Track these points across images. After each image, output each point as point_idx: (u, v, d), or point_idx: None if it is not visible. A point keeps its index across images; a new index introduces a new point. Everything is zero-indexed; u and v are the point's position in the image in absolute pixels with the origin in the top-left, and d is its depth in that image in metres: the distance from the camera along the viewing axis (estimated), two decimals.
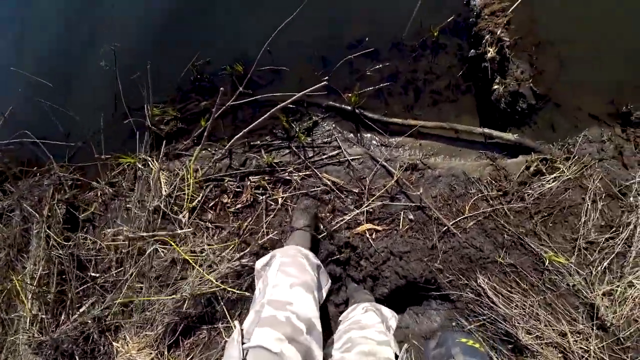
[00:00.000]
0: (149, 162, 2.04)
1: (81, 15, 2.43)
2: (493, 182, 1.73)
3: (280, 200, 1.81)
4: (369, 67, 2.00)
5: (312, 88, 1.55)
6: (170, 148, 2.09)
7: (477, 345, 1.06)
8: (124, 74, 2.13)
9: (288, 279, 0.91)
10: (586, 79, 1.88)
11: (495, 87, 1.73)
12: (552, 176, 1.69)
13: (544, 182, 1.68)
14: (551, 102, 1.87)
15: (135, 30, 2.29)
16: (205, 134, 1.72)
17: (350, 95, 1.90)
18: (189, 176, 1.87)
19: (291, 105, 2.01)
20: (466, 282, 1.56)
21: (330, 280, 1.24)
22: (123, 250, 1.83)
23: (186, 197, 1.84)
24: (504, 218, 1.64)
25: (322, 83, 1.50)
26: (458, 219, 1.68)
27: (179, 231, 1.70)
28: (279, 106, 1.68)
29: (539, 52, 1.91)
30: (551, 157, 1.73)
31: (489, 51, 1.68)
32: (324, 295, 1.14)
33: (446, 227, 1.67)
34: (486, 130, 1.79)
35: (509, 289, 1.52)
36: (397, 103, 1.96)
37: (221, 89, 1.64)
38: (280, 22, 1.94)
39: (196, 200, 1.90)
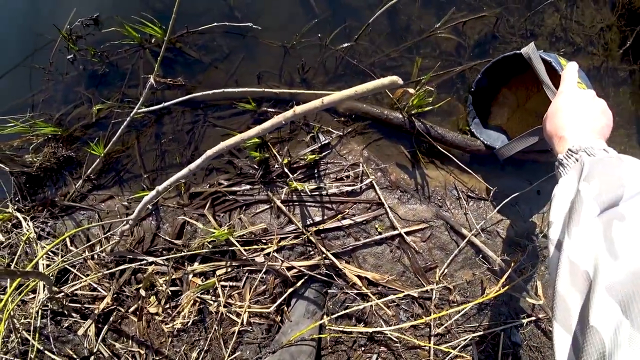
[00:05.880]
0: (22, 222, 1.11)
1: None
2: None
3: (245, 317, 0.90)
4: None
5: (375, 84, 0.52)
6: (51, 195, 1.12)
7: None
8: None
9: None
10: None
11: None
12: None
13: None
14: None
15: None
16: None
17: (407, 91, 0.85)
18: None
19: (268, 109, 0.98)
20: None
21: None
22: None
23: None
24: None
25: (393, 78, 0.48)
26: None
27: None
28: (251, 131, 0.67)
29: None
30: None
31: None
32: None
33: None
34: None
35: None
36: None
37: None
38: None
39: (105, 301, 1.00)
